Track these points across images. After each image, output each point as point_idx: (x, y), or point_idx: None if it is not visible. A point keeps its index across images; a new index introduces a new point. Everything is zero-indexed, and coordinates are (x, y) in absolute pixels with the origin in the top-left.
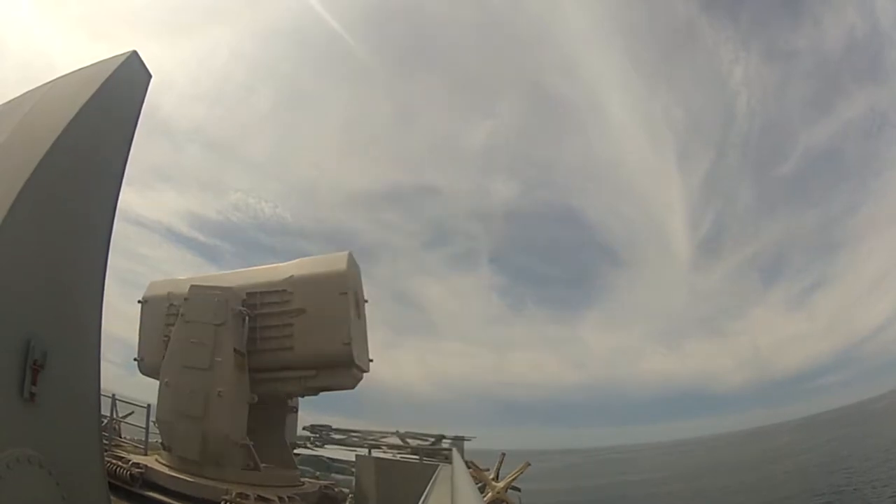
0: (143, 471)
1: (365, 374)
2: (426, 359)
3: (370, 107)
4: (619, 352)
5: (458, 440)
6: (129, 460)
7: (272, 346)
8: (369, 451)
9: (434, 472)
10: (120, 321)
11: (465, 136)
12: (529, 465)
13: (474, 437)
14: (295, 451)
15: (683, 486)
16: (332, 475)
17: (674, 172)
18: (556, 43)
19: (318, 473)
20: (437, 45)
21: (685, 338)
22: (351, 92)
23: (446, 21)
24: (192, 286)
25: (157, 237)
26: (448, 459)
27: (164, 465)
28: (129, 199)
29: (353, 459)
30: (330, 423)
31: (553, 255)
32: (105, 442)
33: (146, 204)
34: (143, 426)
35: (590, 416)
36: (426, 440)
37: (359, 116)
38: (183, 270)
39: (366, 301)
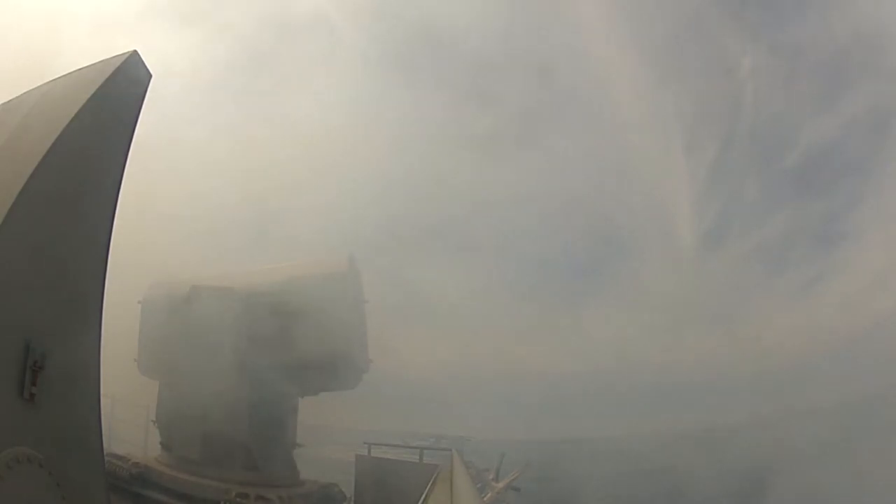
0: (143, 471)
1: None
2: (428, 350)
3: (374, 96)
4: (621, 341)
5: (458, 440)
6: (129, 460)
7: (272, 346)
8: (369, 451)
9: (434, 472)
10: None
11: (470, 123)
12: (529, 465)
13: (473, 438)
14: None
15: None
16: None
17: (680, 163)
18: (563, 30)
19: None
20: (442, 36)
21: (687, 328)
22: (355, 81)
23: (453, 12)
24: (192, 286)
25: (161, 226)
26: (448, 459)
27: (164, 465)
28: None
29: (353, 459)
30: (329, 422)
31: (558, 245)
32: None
33: (149, 193)
34: (143, 426)
35: (590, 408)
36: (426, 440)
37: (363, 106)
38: (186, 260)
39: (366, 302)
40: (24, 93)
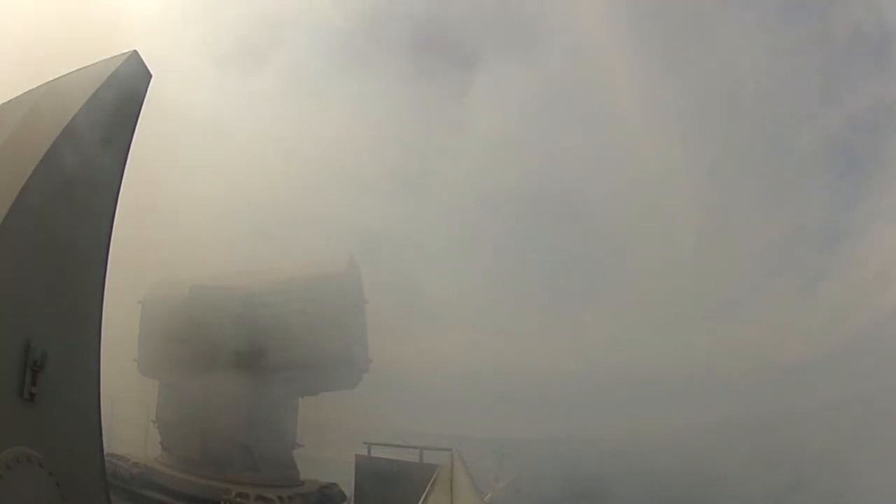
0: (143, 471)
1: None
2: (428, 350)
3: (374, 94)
4: (622, 341)
5: (458, 440)
6: (130, 460)
7: (272, 346)
8: (369, 451)
9: (434, 472)
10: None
11: (469, 121)
12: (529, 465)
13: (473, 438)
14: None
15: None
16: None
17: (679, 161)
18: (562, 28)
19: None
20: (441, 33)
21: (687, 328)
22: (354, 79)
23: (453, 10)
24: (193, 286)
25: (162, 226)
26: (448, 459)
27: (164, 465)
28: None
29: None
30: (329, 422)
31: (557, 245)
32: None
33: (150, 193)
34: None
35: (590, 408)
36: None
37: (364, 106)
38: (186, 260)
39: (365, 302)
40: (25, 93)
